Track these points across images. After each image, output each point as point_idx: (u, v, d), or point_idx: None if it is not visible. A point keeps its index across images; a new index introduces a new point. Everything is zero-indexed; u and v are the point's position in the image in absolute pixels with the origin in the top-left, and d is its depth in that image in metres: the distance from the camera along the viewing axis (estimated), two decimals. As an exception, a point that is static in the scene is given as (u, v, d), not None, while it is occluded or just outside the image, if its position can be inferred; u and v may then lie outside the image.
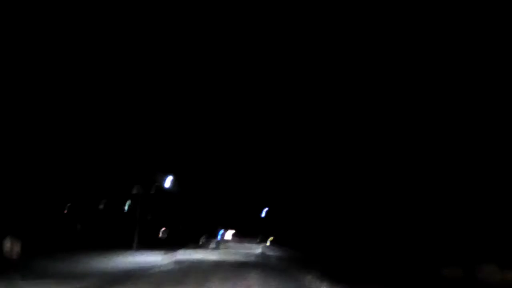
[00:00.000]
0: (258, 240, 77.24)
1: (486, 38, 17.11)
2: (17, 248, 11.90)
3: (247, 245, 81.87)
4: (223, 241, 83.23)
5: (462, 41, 18.00)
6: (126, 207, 48.14)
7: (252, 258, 32.09)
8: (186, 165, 51.19)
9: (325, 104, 30.69)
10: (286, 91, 35.88)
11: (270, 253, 43.65)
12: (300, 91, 33.70)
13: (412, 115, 21.43)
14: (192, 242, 49.40)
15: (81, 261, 17.80)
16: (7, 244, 11.77)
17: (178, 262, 22.06)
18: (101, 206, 42.05)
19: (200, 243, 57.68)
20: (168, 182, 29.52)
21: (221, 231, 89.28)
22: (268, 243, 66.48)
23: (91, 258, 19.49)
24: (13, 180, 24.51)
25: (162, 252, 27.65)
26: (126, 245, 27.96)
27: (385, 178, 24.23)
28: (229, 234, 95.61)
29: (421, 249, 19.01)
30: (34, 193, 27.91)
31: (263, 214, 51.84)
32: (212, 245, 60.24)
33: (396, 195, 22.68)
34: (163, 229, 54.91)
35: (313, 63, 30.09)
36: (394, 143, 22.93)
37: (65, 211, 36.33)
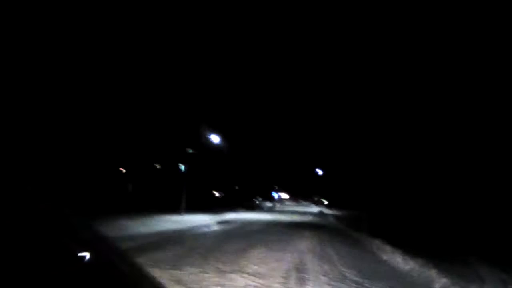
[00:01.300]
0: (315, 200, 74.53)
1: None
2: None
3: (304, 203, 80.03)
4: (279, 201, 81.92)
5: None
6: (182, 168, 47.56)
7: (309, 218, 29.15)
8: (242, 125, 49.58)
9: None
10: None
11: (328, 212, 40.61)
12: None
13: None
14: (247, 203, 47.59)
15: (116, 224, 15.70)
16: None
17: (227, 222, 19.59)
18: (158, 167, 41.31)
19: (257, 203, 56.62)
20: (216, 138, 26.80)
21: (277, 192, 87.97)
22: (325, 202, 63.53)
23: (132, 220, 17.43)
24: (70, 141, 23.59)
25: (213, 213, 25.53)
26: (178, 207, 26.13)
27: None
28: (285, 195, 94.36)
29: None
30: (90, 155, 27.17)
31: (319, 172, 48.54)
32: (269, 204, 58.87)
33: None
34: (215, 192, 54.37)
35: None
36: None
37: (123, 171, 35.69)
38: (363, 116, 35.48)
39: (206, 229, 15.94)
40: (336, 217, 31.07)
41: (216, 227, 17.17)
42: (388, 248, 12.21)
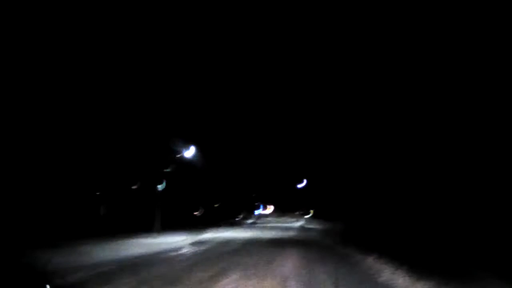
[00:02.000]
0: (298, 213, 72.48)
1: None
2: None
3: (287, 219, 77.59)
4: (262, 216, 79.41)
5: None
6: (159, 187, 44.94)
7: (292, 233, 27.06)
8: (223, 141, 47.71)
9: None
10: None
11: (311, 226, 38.59)
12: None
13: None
14: (228, 220, 45.26)
15: (77, 251, 13.23)
16: None
17: (201, 243, 17.29)
18: (135, 187, 38.71)
19: (238, 219, 54.47)
20: (191, 152, 24.52)
21: (260, 207, 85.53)
22: (309, 215, 61.50)
23: (97, 245, 14.96)
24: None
25: (190, 232, 23.33)
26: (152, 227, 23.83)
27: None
28: (269, 209, 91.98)
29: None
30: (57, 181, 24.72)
31: (302, 185, 46.64)
32: (250, 220, 56.50)
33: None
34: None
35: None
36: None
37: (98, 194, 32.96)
38: (347, 122, 33.87)
39: (173, 253, 13.62)
40: (321, 230, 29.08)
41: (187, 249, 14.87)
42: (384, 266, 10.26)
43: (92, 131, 26.16)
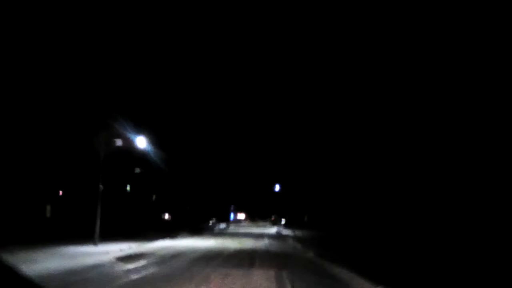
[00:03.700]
0: (273, 219, 67.76)
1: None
2: None
3: (260, 223, 72.63)
4: (235, 221, 74.20)
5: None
6: (101, 186, 40.46)
7: (266, 242, 22.15)
8: (197, 144, 44.51)
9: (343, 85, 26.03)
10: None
11: (287, 233, 33.80)
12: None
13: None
14: (196, 225, 40.00)
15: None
16: None
17: (137, 258, 12.14)
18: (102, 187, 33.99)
19: (211, 224, 49.80)
20: (142, 142, 19.10)
21: (234, 213, 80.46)
22: (283, 222, 56.72)
23: (14, 255, 9.58)
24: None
25: (141, 239, 18.30)
26: (107, 234, 18.73)
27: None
28: (241, 215, 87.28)
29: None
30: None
31: (276, 189, 42.23)
32: (222, 226, 51.66)
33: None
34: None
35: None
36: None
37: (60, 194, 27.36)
38: (325, 126, 30.85)
39: (75, 278, 8.37)
40: (298, 239, 24.26)
41: (106, 269, 9.66)
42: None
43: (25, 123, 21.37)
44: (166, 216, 47.72)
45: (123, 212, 33.03)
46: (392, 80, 20.82)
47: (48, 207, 26.20)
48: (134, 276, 8.59)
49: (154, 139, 27.13)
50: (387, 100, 21.65)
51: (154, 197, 44.75)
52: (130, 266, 10.17)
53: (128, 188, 40.05)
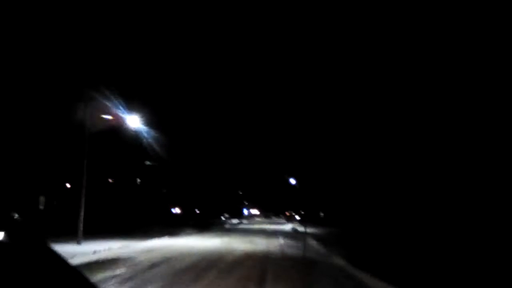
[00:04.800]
0: (288, 215, 64.12)
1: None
2: None
3: (275, 219, 68.94)
4: (248, 217, 70.88)
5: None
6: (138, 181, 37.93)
7: (281, 242, 18.53)
8: (212, 138, 42.80)
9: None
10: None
11: (302, 230, 30.13)
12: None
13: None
14: (205, 221, 36.96)
15: None
16: None
17: (111, 265, 8.72)
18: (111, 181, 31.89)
19: (223, 219, 47.08)
20: (134, 121, 15.55)
21: (247, 208, 77.44)
22: (297, 218, 53.01)
23: None
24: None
25: (139, 237, 15.26)
26: (103, 230, 16.06)
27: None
28: (255, 211, 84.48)
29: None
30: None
31: (292, 182, 38.62)
32: (235, 221, 48.73)
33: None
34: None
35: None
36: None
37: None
38: (339, 119, 28.80)
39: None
40: (318, 238, 20.50)
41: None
42: None
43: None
44: (177, 210, 45.04)
45: (130, 205, 30.82)
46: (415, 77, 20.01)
47: (42, 198, 22.96)
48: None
49: (166, 131, 25.54)
50: (401, 100, 20.96)
51: (164, 190, 42.20)
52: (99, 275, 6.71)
53: (138, 181, 37.49)
